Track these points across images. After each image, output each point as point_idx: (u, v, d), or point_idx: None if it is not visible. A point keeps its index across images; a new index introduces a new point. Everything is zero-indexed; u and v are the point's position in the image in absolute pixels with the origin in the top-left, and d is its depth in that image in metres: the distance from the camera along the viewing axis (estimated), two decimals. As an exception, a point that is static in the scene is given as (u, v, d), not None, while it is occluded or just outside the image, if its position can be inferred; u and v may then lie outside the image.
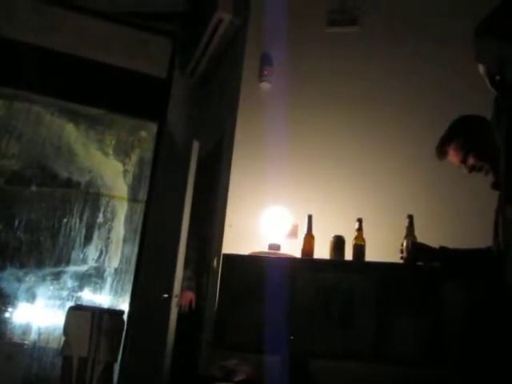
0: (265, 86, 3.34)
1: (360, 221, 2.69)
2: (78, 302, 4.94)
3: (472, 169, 2.29)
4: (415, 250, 2.45)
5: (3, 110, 4.79)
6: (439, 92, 3.14)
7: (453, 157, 2.37)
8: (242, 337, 2.46)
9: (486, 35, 1.46)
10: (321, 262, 2.63)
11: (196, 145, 3.56)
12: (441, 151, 2.36)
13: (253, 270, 2.56)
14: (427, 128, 3.09)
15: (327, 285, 2.47)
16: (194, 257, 3.52)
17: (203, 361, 2.92)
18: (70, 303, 4.94)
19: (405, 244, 2.50)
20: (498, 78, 1.43)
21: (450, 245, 2.43)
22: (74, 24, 4.62)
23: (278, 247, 2.81)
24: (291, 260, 2.69)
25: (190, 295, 3.37)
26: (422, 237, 2.51)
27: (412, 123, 3.14)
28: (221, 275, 2.64)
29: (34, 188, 5.11)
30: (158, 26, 4.79)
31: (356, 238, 2.67)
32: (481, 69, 1.52)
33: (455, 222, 2.82)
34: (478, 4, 1.49)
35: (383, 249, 2.62)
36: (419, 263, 2.48)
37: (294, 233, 2.95)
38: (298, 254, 2.74)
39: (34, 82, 4.45)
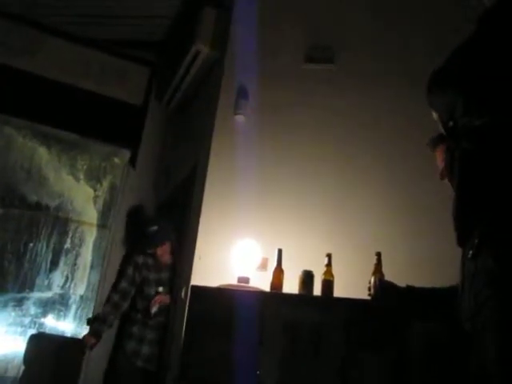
0: (239, 118, 3.37)
1: (329, 256, 2.71)
2: (41, 330, 4.81)
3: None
4: (382, 288, 2.47)
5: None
6: (413, 128, 3.20)
7: (440, 154, 2.28)
8: (208, 372, 2.42)
9: (437, 86, 1.54)
10: (289, 297, 2.63)
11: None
12: (435, 144, 2.23)
13: (221, 302, 2.54)
14: (399, 165, 3.16)
15: (295, 319, 2.47)
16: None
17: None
18: (33, 330, 4.80)
19: (372, 281, 2.52)
20: (451, 123, 1.49)
21: (417, 284, 2.46)
22: (50, 47, 4.62)
23: (247, 280, 2.80)
24: (260, 293, 2.68)
25: (161, 297, 3.37)
26: (389, 275, 2.53)
27: (384, 159, 3.20)
28: (188, 307, 2.61)
29: (1, 210, 5.00)
30: (135, 54, 4.82)
31: (325, 273, 2.68)
32: (434, 115, 1.59)
33: (423, 261, 2.86)
34: (451, 43, 1.55)
35: (351, 285, 2.63)
36: (386, 301, 2.50)
37: (263, 266, 2.95)
38: (267, 288, 2.73)
39: (8, 103, 4.41)
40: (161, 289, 3.35)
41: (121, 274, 3.62)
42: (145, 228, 3.51)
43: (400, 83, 3.32)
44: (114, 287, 3.55)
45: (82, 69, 4.63)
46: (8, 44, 4.48)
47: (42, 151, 4.89)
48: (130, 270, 3.49)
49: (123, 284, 3.47)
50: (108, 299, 3.49)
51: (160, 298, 3.33)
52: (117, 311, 3.42)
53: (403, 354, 2.35)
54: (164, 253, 3.49)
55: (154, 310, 3.29)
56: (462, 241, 1.41)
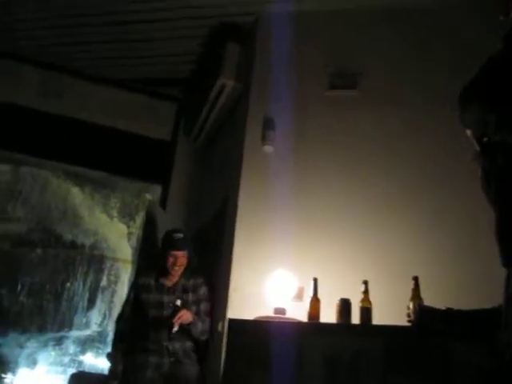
0: (268, 149, 3.40)
1: (366, 283, 2.67)
2: (80, 368, 4.85)
3: None
4: (422, 313, 2.42)
5: (10, 175, 4.87)
6: (440, 150, 3.18)
7: None
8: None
9: (467, 103, 1.53)
10: (328, 326, 2.59)
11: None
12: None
13: (259, 335, 2.52)
14: (432, 188, 3.13)
15: (334, 349, 2.43)
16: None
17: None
18: (72, 369, 4.84)
19: (411, 307, 2.47)
20: (485, 139, 1.47)
21: (456, 307, 2.40)
22: (80, 90, 4.77)
23: (283, 311, 2.78)
24: (297, 324, 2.65)
25: (185, 314, 2.93)
26: (427, 299, 2.48)
27: (415, 183, 3.17)
28: (227, 341, 2.60)
29: (38, 251, 5.10)
30: (162, 92, 4.93)
31: (362, 300, 2.64)
32: (468, 132, 1.57)
33: (461, 284, 2.80)
34: (473, 65, 1.55)
35: (390, 311, 2.58)
36: (426, 326, 2.44)
37: (299, 296, 2.93)
38: (304, 318, 2.71)
39: (42, 147, 4.54)
40: (179, 302, 2.97)
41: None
42: (171, 233, 3.22)
43: (424, 106, 3.31)
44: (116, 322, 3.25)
45: (110, 108, 4.76)
46: (39, 90, 4.65)
47: (76, 191, 5.00)
48: (129, 294, 3.27)
49: (121, 309, 3.24)
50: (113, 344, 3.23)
51: (183, 315, 2.91)
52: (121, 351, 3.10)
53: (447, 379, 2.28)
54: (177, 259, 3.10)
55: (175, 328, 2.88)
56: (508, 261, 1.38)
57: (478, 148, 1.54)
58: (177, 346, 2.96)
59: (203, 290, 3.16)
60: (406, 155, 3.25)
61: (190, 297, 3.11)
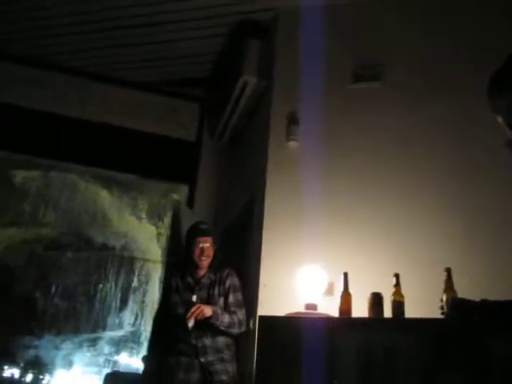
0: (293, 144, 3.38)
1: (397, 276, 2.64)
2: (115, 368, 4.92)
3: None
4: (455, 305, 2.38)
5: (40, 181, 4.96)
6: (467, 140, 3.13)
7: None
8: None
9: (497, 90, 1.49)
10: (360, 321, 2.57)
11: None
12: None
13: (290, 331, 2.51)
14: (461, 178, 3.07)
15: (368, 344, 2.41)
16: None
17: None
18: (107, 369, 4.91)
19: (444, 299, 2.43)
20: None
21: (492, 298, 2.35)
22: (104, 94, 4.82)
23: (314, 307, 2.76)
24: (329, 320, 2.63)
25: (199, 309, 2.82)
26: (461, 291, 2.44)
27: (443, 173, 3.12)
28: (258, 338, 2.60)
29: (70, 254, 5.19)
30: (185, 92, 4.95)
31: (394, 293, 2.60)
32: (499, 119, 1.54)
33: (494, 275, 2.74)
34: (498, 54, 1.51)
35: (422, 304, 2.55)
36: (460, 318, 2.40)
37: (329, 291, 2.91)
38: (335, 313, 2.69)
39: (69, 152, 4.61)
40: (194, 298, 2.90)
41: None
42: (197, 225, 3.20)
43: (449, 97, 3.25)
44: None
45: (134, 111, 4.80)
46: (62, 95, 4.71)
47: (105, 194, 5.06)
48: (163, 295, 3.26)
49: (156, 310, 3.29)
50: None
51: (197, 310, 2.82)
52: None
53: (484, 372, 2.24)
54: (204, 248, 3.03)
55: (190, 324, 2.79)
56: None
57: (510, 135, 1.51)
58: (207, 343, 2.89)
59: (230, 281, 3.05)
60: (432, 147, 3.20)
61: (217, 290, 3.02)
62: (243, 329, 2.96)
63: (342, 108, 3.44)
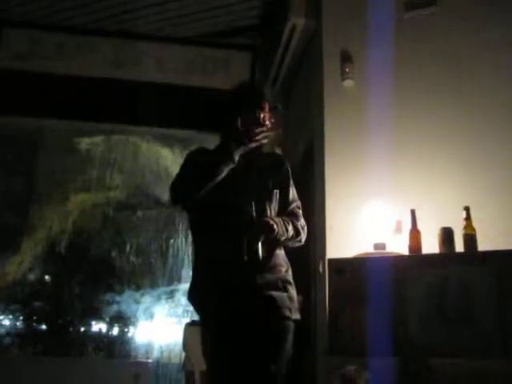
0: (348, 83, 3.29)
1: (467, 209, 2.56)
2: (193, 318, 5.13)
3: None
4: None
5: (103, 146, 5.10)
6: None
7: None
8: (357, 341, 2.41)
9: None
10: (431, 257, 2.53)
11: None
12: None
13: (361, 272, 2.51)
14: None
15: (440, 280, 2.37)
16: None
17: (319, 370, 2.90)
18: (186, 319, 5.13)
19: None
20: None
21: None
22: (154, 53, 4.82)
23: (383, 246, 2.74)
24: (400, 258, 2.61)
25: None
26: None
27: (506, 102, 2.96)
28: (329, 281, 2.62)
29: (140, 213, 5.38)
30: (235, 42, 4.87)
31: (465, 227, 2.54)
32: None
33: None
34: None
35: (496, 236, 2.48)
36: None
37: (398, 229, 2.87)
38: (404, 251, 2.66)
39: (128, 114, 4.68)
40: None
41: None
42: None
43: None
44: None
45: (186, 67, 4.78)
46: (112, 59, 4.74)
47: (166, 153, 5.15)
48: None
49: None
50: None
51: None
52: None
53: None
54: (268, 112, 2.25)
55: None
56: None
57: None
58: None
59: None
60: (496, 67, 3.02)
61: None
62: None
63: (398, 39, 3.28)
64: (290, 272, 2.14)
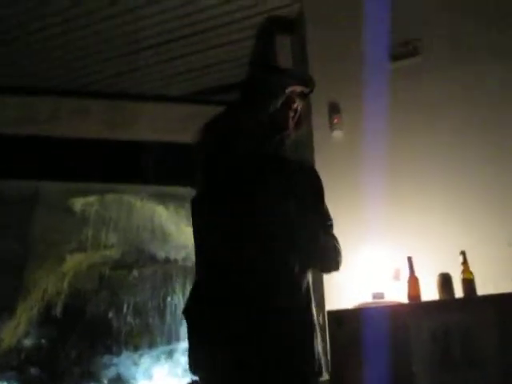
0: (337, 133, 3.34)
1: (464, 254, 2.56)
2: (194, 378, 5.00)
3: None
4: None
5: (98, 205, 5.12)
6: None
7: None
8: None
9: None
10: (431, 304, 2.50)
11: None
12: None
13: (361, 323, 2.47)
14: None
15: (443, 327, 2.34)
16: None
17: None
18: (187, 379, 4.99)
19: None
20: None
21: None
22: (148, 113, 4.90)
23: (382, 295, 2.71)
24: (399, 306, 2.58)
25: None
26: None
27: (497, 144, 3.01)
28: (329, 333, 2.57)
29: (136, 272, 5.33)
30: (227, 99, 4.97)
31: (463, 272, 2.53)
32: None
33: None
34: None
35: (494, 280, 2.46)
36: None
37: (396, 277, 2.84)
38: (404, 299, 2.63)
39: (122, 173, 4.72)
40: None
41: None
42: None
43: (488, 63, 3.14)
44: None
45: (178, 125, 4.85)
46: (108, 120, 4.82)
47: (160, 210, 5.17)
48: None
49: None
50: None
51: None
52: None
53: None
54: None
55: None
56: None
57: None
58: None
59: None
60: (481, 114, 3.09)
61: None
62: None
63: (384, 89, 3.36)
64: None
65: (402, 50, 3.41)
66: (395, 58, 3.41)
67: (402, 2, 3.50)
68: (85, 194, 5.02)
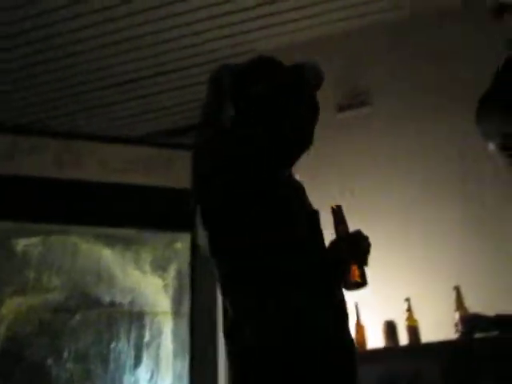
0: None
1: (408, 300, 2.62)
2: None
3: None
4: (469, 322, 2.36)
5: (41, 247, 4.95)
6: (461, 166, 3.15)
7: None
8: None
9: (486, 114, 1.49)
10: (377, 352, 2.53)
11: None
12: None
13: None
14: (454, 200, 3.09)
15: (389, 375, 2.36)
16: None
17: None
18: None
19: (457, 317, 2.41)
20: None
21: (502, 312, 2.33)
22: (96, 153, 4.86)
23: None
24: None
25: None
26: (474, 308, 2.42)
27: (449, 194, 3.13)
28: None
29: (78, 316, 5.14)
30: (178, 142, 5.00)
31: (407, 319, 2.58)
32: (491, 147, 1.52)
33: (506, 290, 2.71)
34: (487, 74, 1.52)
35: (437, 326, 2.52)
36: (477, 335, 2.37)
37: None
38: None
39: (67, 213, 4.62)
40: None
41: None
42: None
43: (438, 116, 3.29)
44: None
45: (127, 166, 4.83)
46: (55, 160, 4.74)
47: (106, 252, 5.04)
48: None
49: None
50: None
51: None
52: None
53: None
54: None
55: None
56: None
57: (507, 160, 1.49)
58: None
59: None
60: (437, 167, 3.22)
61: None
62: None
63: (330, 140, 3.45)
64: None
65: (351, 101, 3.51)
66: (343, 108, 3.52)
67: (355, 56, 3.66)
68: (28, 234, 4.88)
